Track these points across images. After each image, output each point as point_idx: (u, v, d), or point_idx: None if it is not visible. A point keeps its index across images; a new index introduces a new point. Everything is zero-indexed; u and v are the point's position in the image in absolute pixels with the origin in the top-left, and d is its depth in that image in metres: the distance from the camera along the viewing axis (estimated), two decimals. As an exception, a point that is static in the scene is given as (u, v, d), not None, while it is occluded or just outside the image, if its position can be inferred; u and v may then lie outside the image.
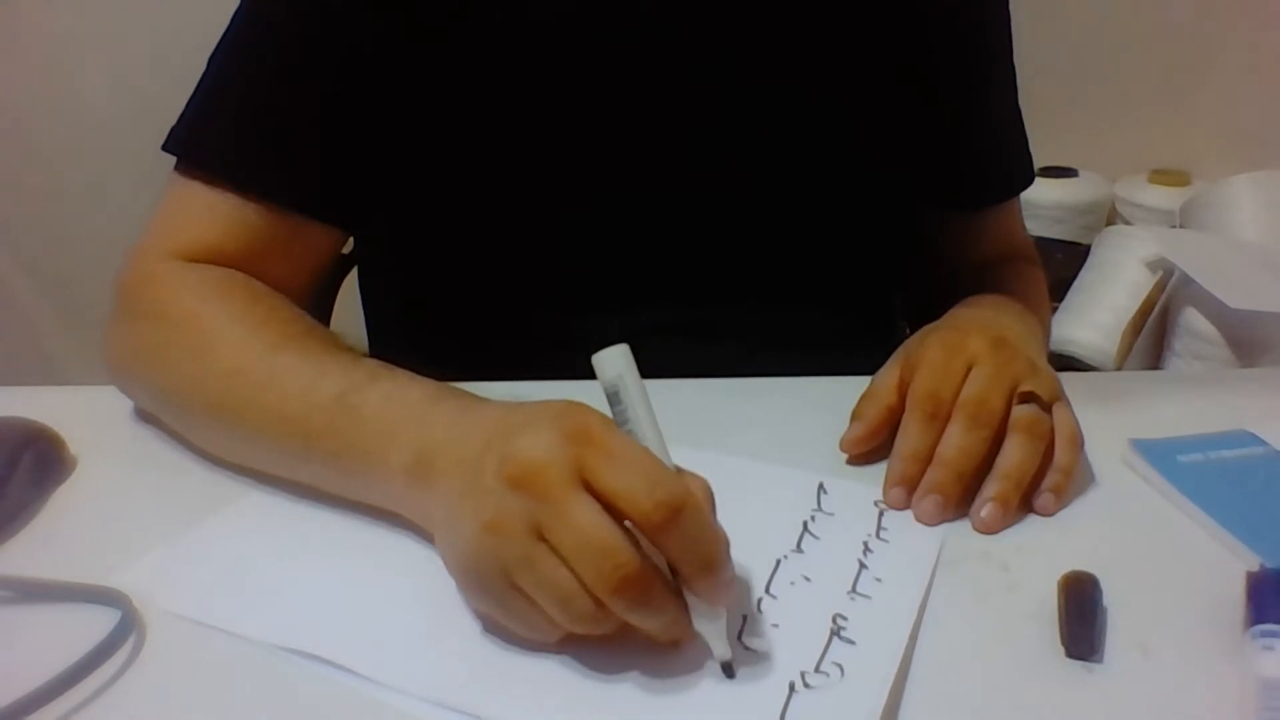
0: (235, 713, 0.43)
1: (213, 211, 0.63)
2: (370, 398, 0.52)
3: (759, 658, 0.44)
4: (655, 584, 0.41)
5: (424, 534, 0.51)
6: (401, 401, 0.51)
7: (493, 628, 0.46)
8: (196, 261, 0.62)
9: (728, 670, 0.43)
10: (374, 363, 0.55)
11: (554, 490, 0.41)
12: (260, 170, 0.63)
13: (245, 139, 0.64)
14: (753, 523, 0.53)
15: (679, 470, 0.44)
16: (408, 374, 0.54)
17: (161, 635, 0.46)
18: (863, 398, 0.61)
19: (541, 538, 0.41)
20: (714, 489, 0.55)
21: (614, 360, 0.44)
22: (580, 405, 0.44)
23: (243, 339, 0.57)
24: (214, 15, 0.67)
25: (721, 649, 0.43)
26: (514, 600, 0.42)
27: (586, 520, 0.40)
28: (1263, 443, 0.61)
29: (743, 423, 0.64)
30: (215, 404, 0.56)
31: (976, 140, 0.80)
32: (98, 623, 0.45)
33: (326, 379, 0.54)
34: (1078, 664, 0.45)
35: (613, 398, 0.44)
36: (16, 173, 1.73)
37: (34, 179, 1.74)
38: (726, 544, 0.43)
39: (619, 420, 0.44)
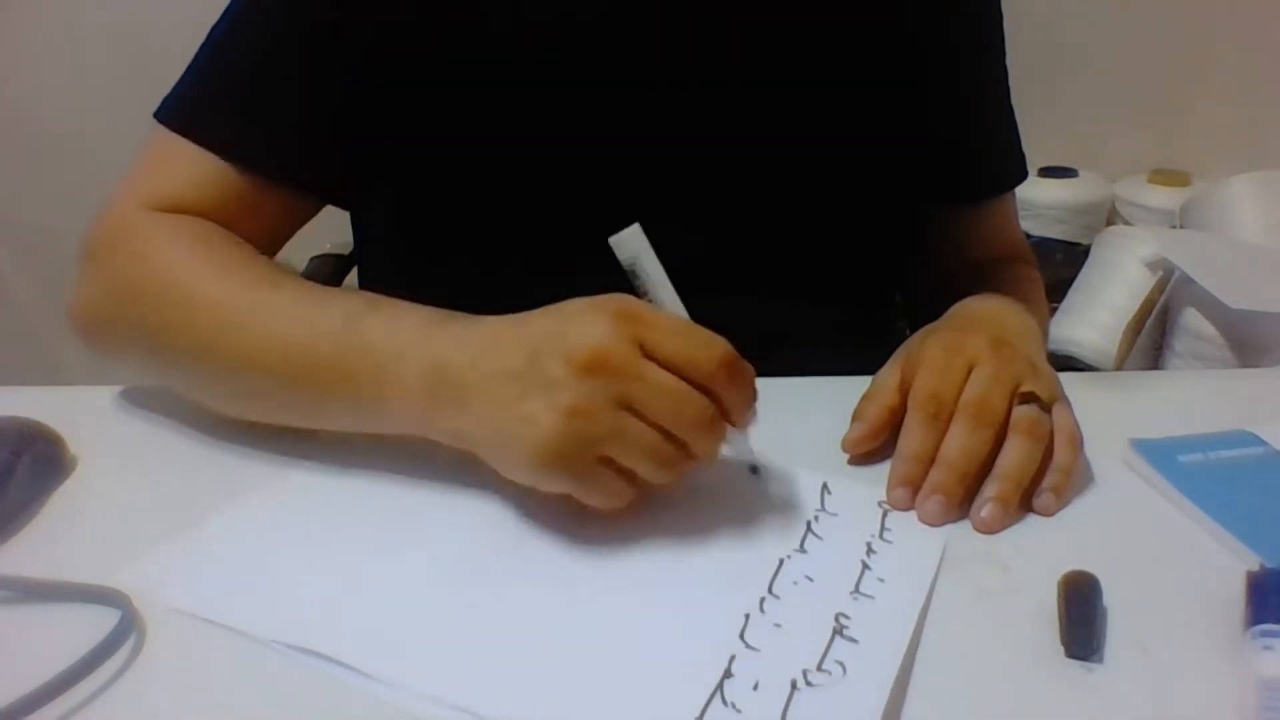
0: (235, 712, 0.43)
1: (189, 167, 0.64)
2: (374, 322, 0.54)
3: (760, 656, 0.44)
4: (722, 419, 0.50)
5: (447, 451, 0.53)
6: (403, 325, 0.54)
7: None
8: (172, 212, 0.63)
9: (755, 471, 0.55)
10: (368, 293, 0.58)
11: (629, 367, 0.47)
12: (236, 133, 0.64)
13: (225, 102, 0.65)
14: (756, 523, 0.54)
15: None
16: (403, 301, 0.56)
17: (161, 635, 0.46)
18: (864, 398, 0.61)
19: (626, 408, 0.47)
20: (718, 489, 0.56)
21: (629, 240, 0.51)
22: (605, 295, 0.50)
23: (228, 279, 0.59)
24: (215, 15, 0.67)
25: (749, 455, 0.54)
26: (599, 473, 0.49)
27: (667, 384, 0.48)
28: (1263, 443, 0.61)
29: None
30: (207, 345, 0.57)
31: (969, 135, 0.80)
32: (98, 623, 0.45)
33: (327, 308, 0.56)
34: (1078, 664, 0.45)
35: (631, 274, 0.52)
36: (16, 173, 1.73)
37: (34, 179, 1.74)
38: (754, 375, 0.51)
39: (640, 292, 0.51)
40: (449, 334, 0.53)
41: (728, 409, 0.50)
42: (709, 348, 0.49)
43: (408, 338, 0.53)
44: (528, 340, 0.50)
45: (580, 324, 0.48)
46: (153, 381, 0.64)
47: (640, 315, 0.49)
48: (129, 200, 0.64)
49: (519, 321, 0.51)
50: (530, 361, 0.48)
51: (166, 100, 0.66)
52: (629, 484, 0.50)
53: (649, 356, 0.48)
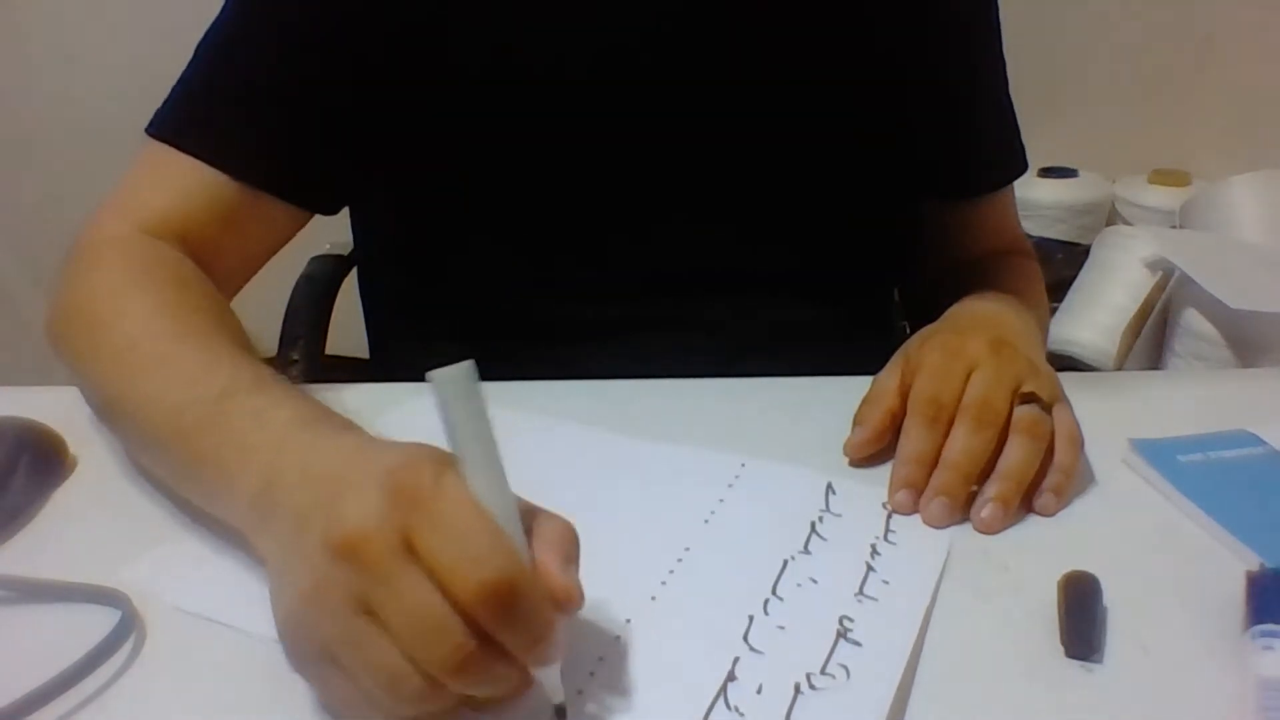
0: (236, 712, 0.43)
1: (179, 179, 0.64)
2: (243, 406, 0.48)
3: (764, 658, 0.44)
4: (496, 656, 0.37)
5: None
6: (268, 420, 0.47)
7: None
8: (157, 227, 0.63)
9: (560, 713, 0.40)
10: (267, 371, 0.52)
11: (380, 563, 0.36)
12: (227, 141, 0.64)
13: (215, 113, 0.65)
14: (760, 523, 0.53)
15: (534, 511, 0.41)
16: (290, 390, 0.50)
17: (161, 635, 0.46)
18: (864, 402, 0.61)
19: (366, 612, 0.37)
20: (721, 488, 0.56)
21: (442, 384, 0.38)
22: (419, 456, 0.39)
23: (148, 321, 0.56)
24: (214, 16, 0.67)
25: (555, 691, 0.40)
26: (332, 677, 0.39)
27: (416, 598, 0.36)
28: (1263, 443, 0.61)
29: (749, 422, 0.64)
30: (102, 380, 0.56)
31: (965, 130, 0.80)
32: (98, 623, 0.45)
33: (213, 377, 0.50)
34: (1078, 664, 0.45)
35: (445, 425, 0.39)
36: (16, 173, 1.73)
37: (34, 179, 1.74)
38: (574, 605, 0.39)
39: (451, 448, 0.39)
40: (303, 442, 0.45)
41: (506, 647, 0.37)
42: (477, 565, 0.36)
43: (265, 434, 0.46)
44: (326, 483, 0.40)
45: (354, 494, 0.38)
46: None
47: (424, 501, 0.37)
48: (112, 213, 0.64)
49: (354, 452, 0.42)
50: (308, 514, 0.40)
51: (157, 115, 0.66)
52: (370, 705, 0.38)
53: (414, 555, 0.37)
